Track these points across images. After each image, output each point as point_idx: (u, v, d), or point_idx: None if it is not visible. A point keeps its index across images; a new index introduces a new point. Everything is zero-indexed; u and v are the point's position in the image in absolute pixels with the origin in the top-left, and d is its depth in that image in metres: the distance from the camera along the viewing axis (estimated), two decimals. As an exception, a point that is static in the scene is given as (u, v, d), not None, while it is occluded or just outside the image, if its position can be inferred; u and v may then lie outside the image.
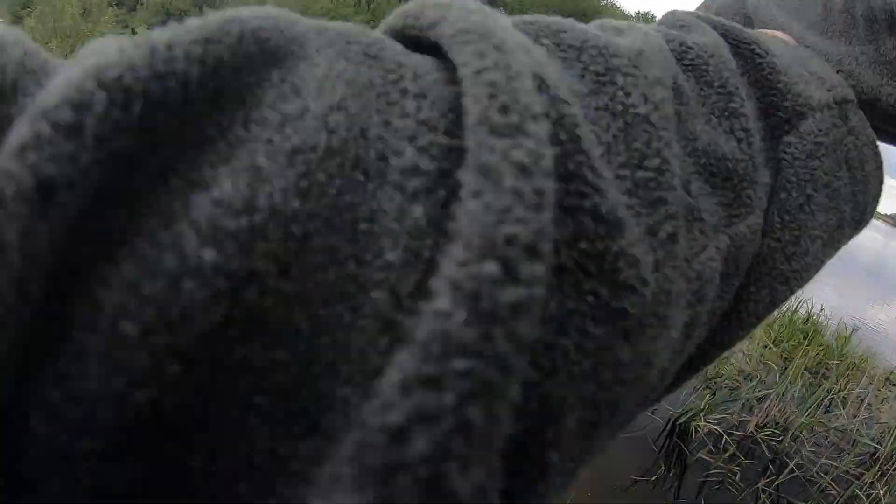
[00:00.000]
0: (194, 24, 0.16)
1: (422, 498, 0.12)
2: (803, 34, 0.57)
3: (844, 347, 5.49)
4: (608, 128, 0.22)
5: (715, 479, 3.43)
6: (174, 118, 0.15)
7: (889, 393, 5.10)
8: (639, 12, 30.00)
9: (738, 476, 3.49)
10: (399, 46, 0.21)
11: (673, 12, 0.37)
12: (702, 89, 0.30)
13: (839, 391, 4.56)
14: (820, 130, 0.35)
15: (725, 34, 0.35)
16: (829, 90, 0.38)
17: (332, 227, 0.16)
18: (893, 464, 3.71)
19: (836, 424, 4.16)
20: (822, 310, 6.03)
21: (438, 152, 0.18)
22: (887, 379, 5.37)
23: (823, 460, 3.72)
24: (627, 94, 0.23)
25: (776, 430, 3.92)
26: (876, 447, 4.00)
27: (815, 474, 3.63)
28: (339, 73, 0.18)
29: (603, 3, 29.44)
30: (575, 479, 0.22)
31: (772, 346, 5.08)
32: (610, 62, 0.24)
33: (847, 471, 3.70)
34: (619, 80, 0.23)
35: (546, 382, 0.18)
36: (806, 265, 0.33)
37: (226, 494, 0.14)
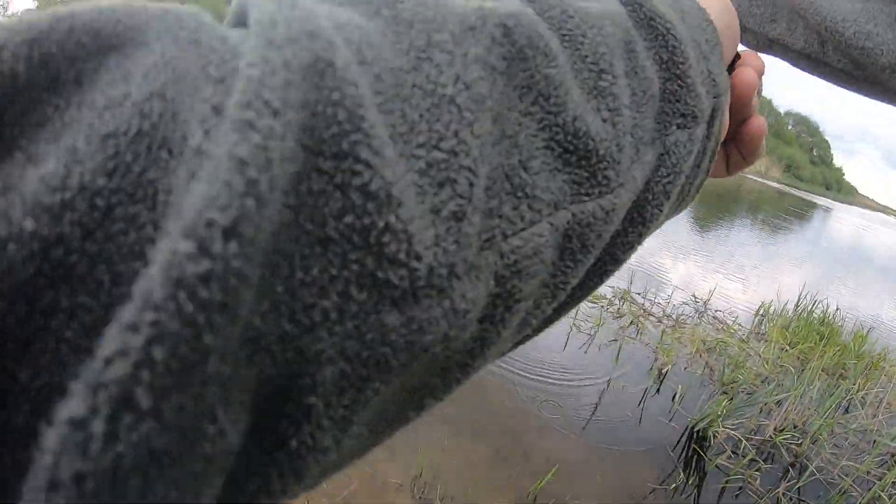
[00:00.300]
0: (26, 25, 0.19)
1: (117, 409, 0.14)
2: None
3: (861, 347, 5.45)
4: (417, 106, 0.23)
5: (734, 484, 3.42)
6: (12, 104, 0.18)
7: (909, 391, 5.07)
8: None
9: (757, 481, 3.47)
10: (221, 30, 0.21)
11: None
12: (575, 63, 0.30)
13: (857, 391, 4.53)
14: (700, 137, 0.38)
15: (628, 4, 0.36)
16: (714, 97, 0.39)
17: (135, 199, 0.18)
18: (915, 462, 3.67)
19: (855, 425, 4.13)
20: (837, 310, 5.99)
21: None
22: (906, 377, 5.34)
23: (844, 462, 3.70)
24: (440, 73, 0.24)
25: (795, 434, 3.90)
26: (896, 446, 3.98)
27: (836, 476, 3.61)
28: (168, 60, 0.20)
29: None
30: (367, 432, 0.25)
31: (788, 348, 5.05)
32: (432, 38, 0.25)
33: (868, 471, 3.67)
34: (437, 56, 0.24)
35: (304, 336, 0.20)
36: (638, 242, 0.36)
37: (47, 407, 0.17)
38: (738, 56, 0.50)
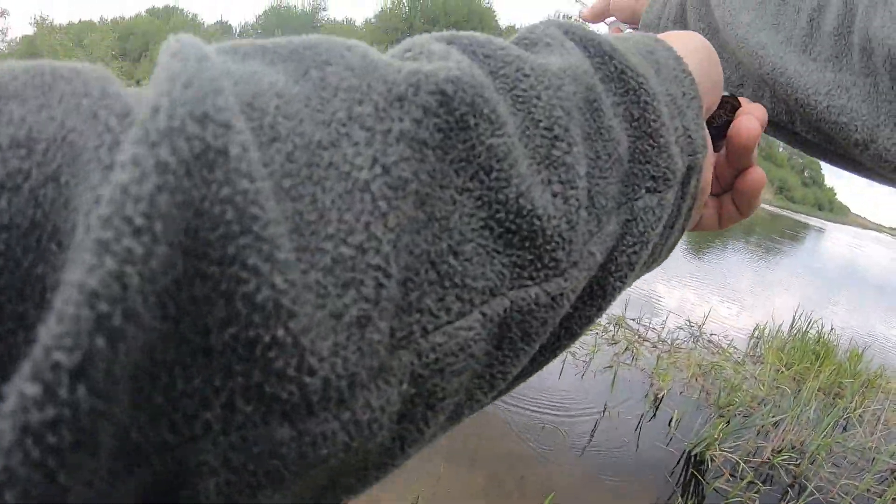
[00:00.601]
0: None
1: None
2: (780, 52, 0.55)
3: (857, 365, 5.45)
4: (330, 190, 0.21)
5: (734, 507, 3.41)
6: None
7: (906, 407, 5.07)
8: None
9: (756, 503, 3.46)
10: (125, 100, 0.20)
11: (536, 25, 0.35)
12: (526, 128, 0.27)
13: (855, 409, 4.53)
14: (671, 201, 0.35)
15: (596, 55, 0.33)
16: (689, 155, 0.37)
17: (24, 296, 0.18)
18: (915, 478, 3.67)
19: (853, 443, 4.13)
20: (832, 329, 6.00)
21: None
22: (903, 393, 5.34)
23: (843, 480, 3.69)
24: (357, 153, 0.22)
25: (793, 454, 3.90)
26: (896, 463, 3.97)
27: (836, 495, 3.61)
28: (67, 132, 0.19)
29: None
30: None
31: (784, 369, 5.06)
32: (353, 110, 0.23)
33: (868, 489, 3.67)
34: (356, 133, 0.23)
35: (186, 447, 0.19)
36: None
37: None
38: (738, 103, 0.48)
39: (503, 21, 32.01)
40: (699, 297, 7.19)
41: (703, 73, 0.40)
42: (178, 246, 0.17)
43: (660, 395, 4.31)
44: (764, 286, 9.08)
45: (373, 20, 32.77)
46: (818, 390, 4.66)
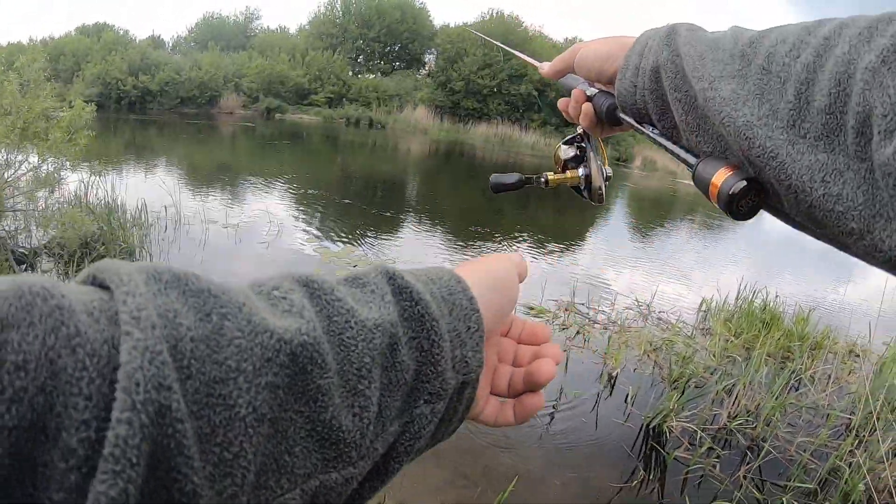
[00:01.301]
0: None
1: None
2: (768, 132, 0.52)
3: (804, 328, 5.58)
4: (219, 414, 0.32)
5: (695, 474, 3.45)
6: None
7: (854, 364, 5.19)
8: (567, 38, 30.30)
9: (717, 468, 3.53)
10: (102, 337, 0.29)
11: (368, 271, 0.49)
12: (343, 369, 0.40)
13: (805, 370, 4.63)
14: (442, 409, 0.48)
15: (406, 301, 0.47)
16: (464, 374, 0.49)
17: (25, 474, 0.26)
18: (869, 429, 3.74)
19: (806, 402, 4.21)
20: (777, 297, 6.12)
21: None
22: (850, 351, 5.47)
23: (800, 438, 3.77)
24: (239, 395, 0.33)
25: (749, 418, 3.97)
26: (849, 417, 4.06)
27: (794, 453, 3.68)
28: (47, 352, 0.27)
29: (531, 32, 29.62)
30: None
31: (733, 338, 5.15)
32: (241, 365, 0.34)
33: (824, 444, 3.76)
34: (240, 381, 0.34)
35: None
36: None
37: None
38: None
39: (437, 20, 32.08)
40: (646, 278, 7.30)
41: (494, 308, 0.55)
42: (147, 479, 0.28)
43: (614, 375, 4.36)
44: (708, 262, 9.25)
45: (307, 27, 32.50)
46: (768, 356, 4.76)
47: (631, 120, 0.73)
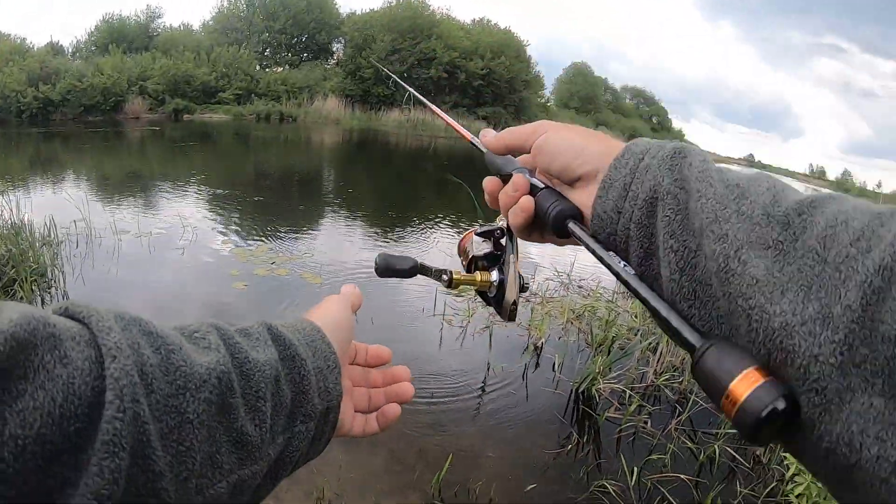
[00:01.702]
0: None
1: None
2: (808, 340, 0.38)
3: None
4: (167, 424, 0.43)
5: (628, 432, 3.52)
6: None
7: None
8: (474, 19, 30.35)
9: (649, 423, 3.61)
10: (89, 385, 0.39)
11: (253, 325, 0.61)
12: (245, 390, 0.52)
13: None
14: (314, 427, 0.61)
15: (282, 346, 0.60)
16: (327, 401, 0.63)
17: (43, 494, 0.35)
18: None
19: (728, 351, 4.29)
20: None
21: None
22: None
23: (725, 386, 3.82)
24: (186, 402, 0.45)
25: (675, 373, 4.08)
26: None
27: (721, 401, 3.73)
28: (50, 396, 0.36)
29: (438, 16, 29.47)
30: None
31: (654, 298, 5.22)
32: (187, 396, 0.45)
33: (747, 389, 3.81)
34: (190, 406, 0.45)
35: None
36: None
37: None
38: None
39: (344, 9, 31.52)
40: (563, 248, 7.32)
41: (337, 342, 0.68)
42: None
43: (539, 345, 4.39)
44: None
45: (211, 22, 31.28)
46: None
47: (591, 242, 0.57)
